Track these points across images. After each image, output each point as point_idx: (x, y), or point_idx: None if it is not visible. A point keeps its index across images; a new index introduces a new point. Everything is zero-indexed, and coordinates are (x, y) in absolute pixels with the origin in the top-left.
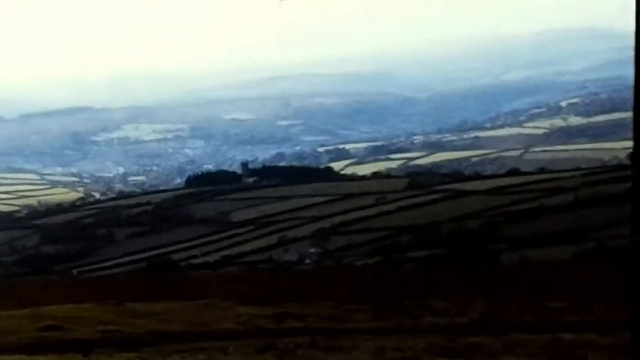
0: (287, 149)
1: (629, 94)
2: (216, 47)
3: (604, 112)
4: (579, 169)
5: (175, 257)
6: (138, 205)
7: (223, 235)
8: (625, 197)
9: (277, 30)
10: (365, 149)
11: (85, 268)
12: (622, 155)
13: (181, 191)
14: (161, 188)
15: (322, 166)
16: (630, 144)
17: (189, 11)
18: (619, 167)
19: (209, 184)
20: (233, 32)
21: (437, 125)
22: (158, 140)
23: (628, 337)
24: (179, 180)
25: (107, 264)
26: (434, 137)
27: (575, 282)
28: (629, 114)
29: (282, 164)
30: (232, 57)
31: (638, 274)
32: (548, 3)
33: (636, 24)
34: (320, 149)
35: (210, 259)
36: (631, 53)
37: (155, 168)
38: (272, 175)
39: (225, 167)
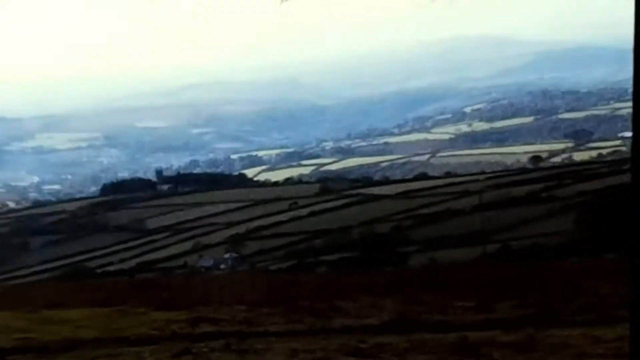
0: (200, 157)
1: (529, 100)
2: (129, 56)
3: (506, 117)
4: (484, 172)
5: (91, 264)
6: (53, 213)
7: (139, 242)
8: (527, 199)
9: (189, 40)
10: (278, 155)
11: (0, 277)
12: (524, 159)
13: (96, 199)
14: (76, 196)
15: (235, 173)
16: (531, 148)
17: (100, 20)
18: (522, 170)
19: (124, 192)
20: (145, 40)
21: (347, 131)
22: (72, 149)
23: (531, 334)
24: (94, 189)
25: (23, 272)
26: (344, 144)
27: (481, 281)
28: (529, 119)
29: (196, 171)
30: (144, 65)
31: (638, 273)
32: (452, 12)
33: (636, 24)
34: (234, 156)
35: (126, 265)
36: (532, 58)
37: (70, 177)
38: (186, 182)
39: (139, 175)
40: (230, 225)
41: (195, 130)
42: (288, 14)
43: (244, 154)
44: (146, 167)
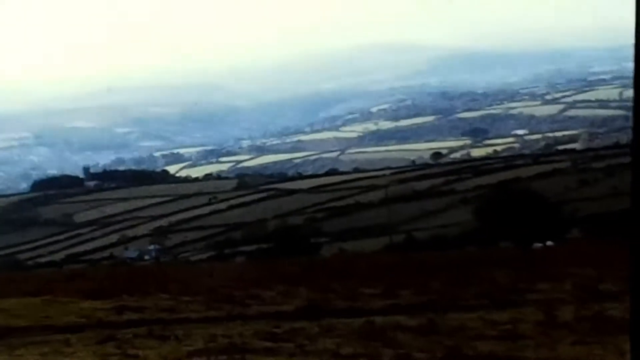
0: (125, 154)
1: (430, 100)
2: (58, 58)
3: (409, 117)
4: (389, 168)
5: (22, 256)
6: None
7: (67, 235)
8: (429, 193)
9: (115, 42)
10: (198, 153)
11: None
12: (426, 155)
13: (27, 195)
14: (7, 193)
15: (158, 169)
16: (433, 145)
17: (30, 22)
18: (424, 166)
19: (53, 188)
20: (74, 43)
21: (263, 130)
22: (4, 148)
23: (432, 318)
24: (24, 185)
25: None
26: (259, 142)
27: (386, 270)
28: (430, 118)
29: (122, 168)
30: (73, 68)
31: (638, 273)
32: (361, 19)
33: (636, 24)
34: (157, 154)
35: (55, 257)
36: (433, 62)
37: (1, 174)
38: (112, 178)
39: (68, 172)
40: (153, 218)
41: (121, 130)
42: (212, 19)
43: (166, 152)
44: (74, 165)
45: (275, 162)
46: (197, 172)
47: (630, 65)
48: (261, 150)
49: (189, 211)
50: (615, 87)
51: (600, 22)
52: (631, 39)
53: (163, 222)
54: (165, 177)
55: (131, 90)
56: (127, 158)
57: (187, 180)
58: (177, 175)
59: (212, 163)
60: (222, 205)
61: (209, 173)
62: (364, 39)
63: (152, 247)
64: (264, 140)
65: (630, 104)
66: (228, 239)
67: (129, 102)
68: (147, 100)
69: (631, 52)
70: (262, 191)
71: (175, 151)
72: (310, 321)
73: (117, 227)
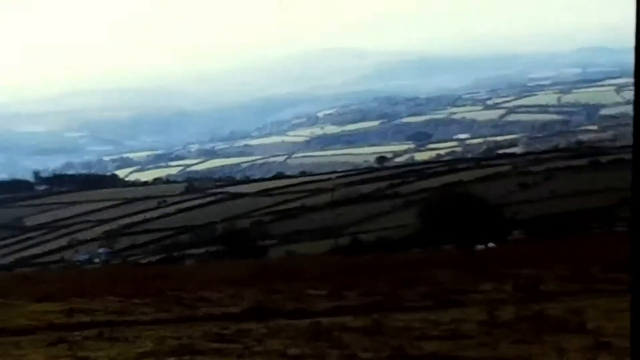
0: (75, 159)
1: (375, 105)
2: (9, 62)
3: (354, 121)
4: (335, 172)
5: None
6: None
7: (17, 238)
8: (374, 196)
9: (66, 47)
10: (147, 157)
11: None
12: (371, 159)
13: None
14: None
15: (108, 174)
16: (377, 149)
17: None
18: (369, 169)
19: (3, 192)
20: (25, 46)
21: (211, 135)
22: None
23: (377, 319)
24: None
25: None
26: (208, 146)
27: (332, 272)
28: (375, 123)
29: (71, 172)
30: (24, 72)
31: (638, 274)
32: (308, 26)
33: (636, 24)
34: (106, 158)
35: (6, 261)
36: (378, 68)
37: None
38: (62, 182)
39: (18, 176)
40: (103, 222)
41: (71, 135)
42: (162, 24)
43: (116, 156)
44: (24, 169)
45: (223, 166)
46: (146, 176)
47: (569, 71)
48: (210, 154)
49: (138, 215)
50: (553, 93)
51: (539, 29)
52: (570, 45)
53: (113, 225)
54: (114, 181)
55: (81, 95)
56: (76, 162)
57: (136, 184)
58: (127, 179)
59: (161, 167)
60: (171, 209)
61: (158, 177)
62: (311, 45)
63: (101, 250)
64: (212, 145)
65: (570, 109)
66: (177, 242)
67: (80, 106)
68: (97, 104)
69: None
70: (211, 195)
71: (124, 155)
72: (258, 322)
73: (67, 230)
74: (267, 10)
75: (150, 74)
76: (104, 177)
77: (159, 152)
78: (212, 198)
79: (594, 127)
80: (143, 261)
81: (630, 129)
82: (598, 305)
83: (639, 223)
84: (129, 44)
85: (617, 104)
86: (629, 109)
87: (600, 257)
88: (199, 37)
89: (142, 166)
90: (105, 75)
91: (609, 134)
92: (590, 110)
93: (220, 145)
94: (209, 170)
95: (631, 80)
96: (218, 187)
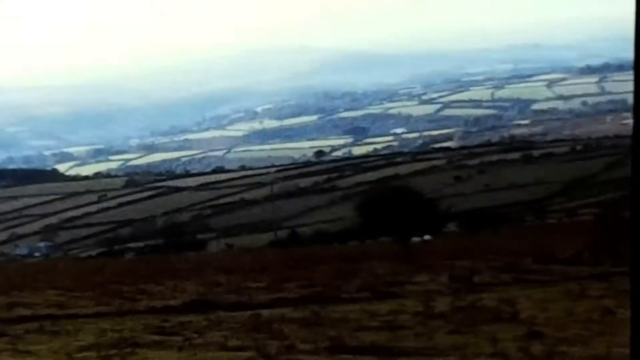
0: (15, 153)
1: (313, 100)
2: None
3: (293, 116)
4: (274, 166)
5: None
6: None
7: None
8: (312, 189)
9: (7, 43)
10: (88, 152)
11: None
12: (309, 153)
13: None
14: None
15: (48, 168)
16: (315, 143)
17: None
18: (307, 163)
19: None
20: None
21: (151, 129)
22: None
23: (315, 310)
24: None
25: None
26: (148, 140)
27: (272, 264)
28: (313, 118)
29: (12, 167)
30: None
31: (638, 274)
32: (246, 22)
33: (636, 24)
34: (47, 153)
35: None
36: (315, 64)
37: None
38: (2, 177)
39: None
40: (44, 216)
41: (12, 129)
42: (102, 19)
43: (56, 151)
44: None
45: (163, 160)
46: (87, 170)
47: (502, 67)
48: (150, 148)
49: (78, 209)
50: (487, 88)
51: (472, 26)
52: (502, 42)
53: (53, 219)
54: (55, 176)
55: (22, 90)
56: (17, 157)
57: (77, 178)
58: (67, 173)
59: (101, 162)
60: (112, 203)
61: (99, 171)
62: (250, 40)
63: (42, 244)
64: (152, 139)
65: (503, 103)
66: (117, 235)
67: (20, 101)
68: (37, 100)
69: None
70: (151, 189)
71: (65, 150)
72: (199, 315)
73: (7, 224)
74: (206, 8)
75: (89, 70)
76: (44, 171)
77: (99, 146)
78: (152, 192)
79: (526, 122)
80: (84, 255)
81: (560, 123)
82: (530, 296)
83: (639, 223)
84: (68, 41)
85: (548, 99)
86: (559, 104)
87: (532, 248)
88: (138, 34)
89: (83, 161)
90: (46, 72)
91: (540, 128)
92: (522, 105)
93: (160, 140)
94: (149, 164)
95: (561, 76)
96: (158, 181)
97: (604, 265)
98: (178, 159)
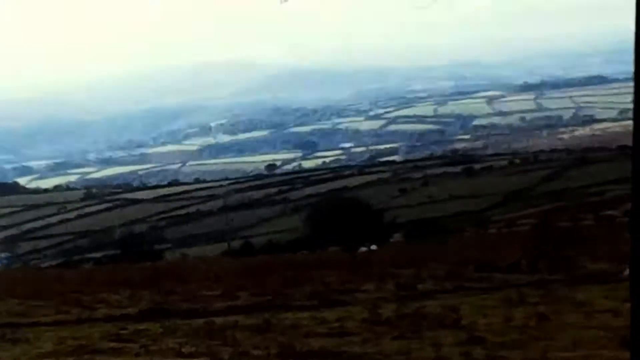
0: None
1: (264, 115)
2: None
3: (245, 131)
4: (227, 178)
5: None
6: None
7: None
8: (264, 201)
9: None
10: (47, 165)
11: None
12: (261, 166)
13: None
14: None
15: (9, 181)
16: (267, 157)
17: None
18: (259, 176)
19: None
20: None
21: (109, 143)
22: None
23: (267, 318)
24: None
25: None
26: (106, 154)
27: (225, 274)
28: (265, 132)
29: None
30: None
31: (638, 275)
32: (199, 38)
33: (636, 24)
34: (7, 166)
35: None
36: (267, 80)
37: None
38: None
39: None
40: (5, 228)
41: None
42: (57, 34)
43: (16, 165)
44: None
45: (121, 174)
46: (46, 183)
47: (444, 83)
48: (107, 162)
49: (38, 220)
50: (430, 104)
51: (415, 44)
52: (444, 60)
53: (14, 231)
54: (15, 188)
55: None
56: None
57: (37, 191)
58: (28, 186)
59: (60, 175)
60: (71, 215)
61: (58, 184)
62: (203, 57)
63: (3, 254)
64: (110, 153)
65: (446, 119)
66: (77, 246)
67: None
68: None
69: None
70: (109, 201)
71: (25, 164)
72: (154, 322)
73: None
74: (160, 22)
75: (46, 85)
76: (5, 184)
77: (58, 160)
78: (111, 204)
79: (467, 137)
80: (44, 265)
81: (499, 138)
82: (472, 303)
83: (639, 223)
84: (23, 55)
85: (488, 114)
86: (499, 120)
87: (473, 257)
88: (93, 49)
89: (43, 174)
90: (1, 86)
91: (480, 142)
92: (464, 121)
93: (117, 154)
94: (107, 177)
95: (500, 93)
96: (116, 193)
97: (541, 273)
98: (135, 172)
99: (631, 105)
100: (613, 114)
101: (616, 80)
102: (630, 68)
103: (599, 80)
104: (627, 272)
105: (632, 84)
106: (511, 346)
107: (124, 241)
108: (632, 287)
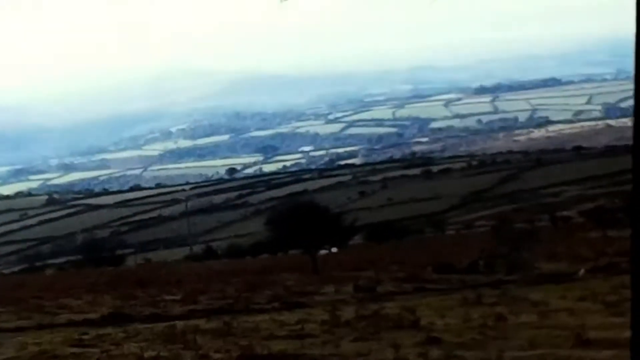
0: None
1: (225, 120)
2: None
3: (206, 135)
4: (188, 183)
5: None
6: None
7: None
8: (225, 205)
9: None
10: (8, 171)
11: None
12: (222, 171)
13: None
14: None
15: None
16: (228, 161)
17: None
18: (220, 181)
19: None
20: None
21: (70, 149)
22: None
23: (227, 321)
24: None
25: None
26: (67, 160)
27: (187, 278)
28: (225, 137)
29: None
30: None
31: (638, 276)
32: (160, 44)
33: (636, 24)
34: None
35: None
36: (227, 85)
37: None
38: None
39: None
40: None
41: None
42: (19, 42)
43: None
44: None
45: (82, 179)
46: (7, 190)
47: (402, 87)
48: (69, 168)
49: (0, 227)
50: (388, 108)
51: (372, 49)
52: (402, 64)
53: None
54: None
55: None
56: None
57: None
58: None
59: (22, 181)
60: (33, 221)
61: (20, 191)
62: (163, 63)
63: None
64: (71, 159)
65: (404, 122)
66: (39, 252)
67: None
68: None
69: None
70: (71, 207)
71: None
72: (116, 327)
73: None
74: (120, 28)
75: (5, 91)
76: None
77: (20, 166)
78: (72, 210)
79: (425, 139)
80: (6, 271)
81: (456, 140)
82: (430, 303)
83: (639, 223)
84: None
85: (446, 117)
86: (456, 122)
87: (431, 259)
88: (53, 56)
89: (4, 180)
90: None
91: (438, 145)
92: (422, 124)
93: (79, 160)
94: (69, 183)
95: (457, 96)
96: (77, 199)
97: (497, 274)
98: (96, 177)
99: (585, 107)
100: (568, 115)
101: (571, 82)
102: (584, 71)
103: (554, 82)
104: (582, 272)
105: (586, 85)
106: (469, 346)
107: (85, 247)
108: (632, 286)
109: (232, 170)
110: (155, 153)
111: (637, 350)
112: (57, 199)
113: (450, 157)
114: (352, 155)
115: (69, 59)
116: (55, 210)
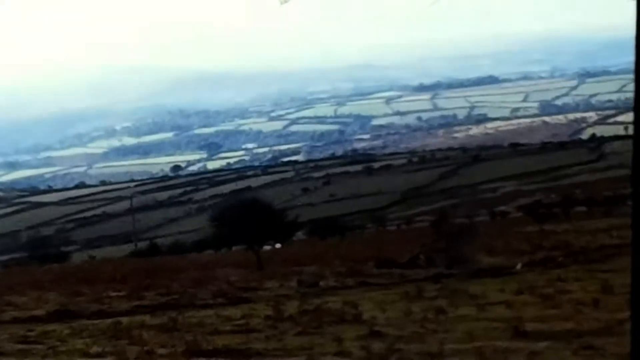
0: None
1: (169, 118)
2: None
3: (150, 133)
4: (133, 180)
5: None
6: None
7: None
8: (169, 202)
9: None
10: None
11: None
12: (167, 168)
13: None
14: None
15: None
16: (172, 159)
17: None
18: (164, 178)
19: None
20: None
21: (14, 147)
22: None
23: (173, 316)
24: None
25: None
26: (11, 158)
27: (132, 274)
28: (170, 134)
29: None
30: None
31: (638, 277)
32: (102, 42)
33: (637, 25)
34: None
35: None
36: (171, 83)
37: None
38: None
39: None
40: None
41: None
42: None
43: None
44: None
45: (27, 177)
46: None
47: (344, 85)
48: (13, 166)
49: None
50: (330, 105)
51: (314, 46)
52: (343, 62)
53: None
54: None
55: None
56: None
57: None
58: None
59: None
60: None
61: None
62: (107, 61)
63: None
64: (15, 157)
65: (345, 119)
66: None
67: None
68: None
69: (345, 73)
70: (15, 204)
71: None
72: (62, 324)
73: None
74: (63, 27)
75: None
76: None
77: None
78: (17, 207)
79: (367, 136)
80: None
81: (397, 137)
82: (372, 298)
83: (639, 222)
84: None
85: (386, 114)
86: (397, 119)
87: (373, 254)
88: None
89: None
90: None
91: (379, 142)
92: (363, 121)
93: (23, 157)
94: (13, 180)
95: (398, 93)
96: (22, 197)
97: (437, 268)
98: (41, 175)
99: (522, 105)
100: (505, 113)
101: (508, 80)
102: (520, 69)
103: (491, 80)
104: (519, 266)
105: (523, 83)
106: (409, 339)
107: (31, 244)
108: (632, 287)
109: (176, 168)
110: (100, 151)
111: (638, 350)
112: (1, 197)
113: (391, 154)
114: (295, 152)
115: (11, 57)
116: (0, 207)
